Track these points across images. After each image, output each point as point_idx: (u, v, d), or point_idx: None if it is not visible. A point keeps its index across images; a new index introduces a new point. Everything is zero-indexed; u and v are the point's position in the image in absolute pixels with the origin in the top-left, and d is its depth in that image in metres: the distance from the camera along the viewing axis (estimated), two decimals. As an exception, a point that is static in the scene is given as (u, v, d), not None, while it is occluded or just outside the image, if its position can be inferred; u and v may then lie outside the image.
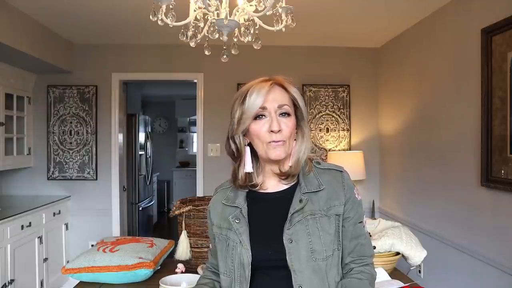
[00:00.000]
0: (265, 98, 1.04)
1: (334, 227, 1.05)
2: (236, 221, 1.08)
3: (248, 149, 1.10)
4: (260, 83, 1.07)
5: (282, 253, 1.02)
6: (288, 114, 1.06)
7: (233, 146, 1.10)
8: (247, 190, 1.12)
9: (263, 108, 1.05)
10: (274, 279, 1.05)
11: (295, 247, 1.02)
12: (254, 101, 1.04)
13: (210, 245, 1.24)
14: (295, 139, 1.10)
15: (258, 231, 1.07)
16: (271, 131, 1.04)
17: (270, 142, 1.04)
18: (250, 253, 1.04)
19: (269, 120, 1.05)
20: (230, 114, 1.10)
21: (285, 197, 1.08)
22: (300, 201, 1.05)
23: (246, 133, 1.09)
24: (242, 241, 1.05)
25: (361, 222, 1.11)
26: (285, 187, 1.11)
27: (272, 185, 1.12)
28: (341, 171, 1.12)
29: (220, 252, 1.12)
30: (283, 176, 1.09)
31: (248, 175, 1.10)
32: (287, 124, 1.05)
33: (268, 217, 1.09)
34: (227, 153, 1.14)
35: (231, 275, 1.07)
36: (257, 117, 1.06)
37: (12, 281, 2.91)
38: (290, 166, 1.08)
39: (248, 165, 1.09)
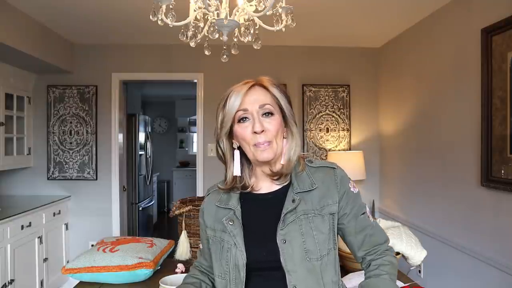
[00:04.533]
0: (244, 99, 1.04)
1: (328, 226, 1.05)
2: (230, 223, 1.07)
3: (237, 152, 1.10)
4: (240, 86, 1.07)
5: (276, 254, 1.01)
6: (272, 113, 1.06)
7: (219, 150, 1.12)
8: (239, 192, 1.12)
9: (245, 110, 1.04)
10: (269, 280, 1.04)
11: (289, 248, 1.01)
12: (233, 103, 1.04)
13: (201, 245, 1.24)
14: (285, 137, 1.09)
15: (252, 233, 1.06)
16: (254, 132, 1.03)
17: (255, 144, 1.04)
18: (245, 255, 1.03)
19: (252, 122, 1.04)
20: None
21: (278, 197, 1.08)
22: (293, 201, 1.04)
23: (234, 137, 1.09)
24: (237, 242, 1.04)
25: (363, 213, 1.10)
26: (278, 187, 1.10)
27: (265, 186, 1.11)
28: (334, 168, 1.11)
29: (214, 254, 1.11)
30: (275, 176, 1.09)
31: (238, 177, 1.10)
32: (271, 123, 1.05)
33: (261, 218, 1.08)
34: (217, 157, 1.14)
35: (226, 277, 1.06)
36: (241, 120, 1.05)
37: (12, 281, 2.91)
38: (282, 165, 1.08)
39: (236, 168, 1.09)
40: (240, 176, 1.10)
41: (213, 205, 1.14)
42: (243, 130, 1.05)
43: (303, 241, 1.01)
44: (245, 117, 1.05)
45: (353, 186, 1.11)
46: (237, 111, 1.05)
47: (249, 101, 1.04)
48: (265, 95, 1.06)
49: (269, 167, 1.09)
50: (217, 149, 1.13)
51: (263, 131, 1.03)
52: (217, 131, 1.09)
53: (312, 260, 1.01)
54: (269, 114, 1.05)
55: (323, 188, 1.07)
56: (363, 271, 1.13)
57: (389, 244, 1.13)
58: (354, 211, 1.09)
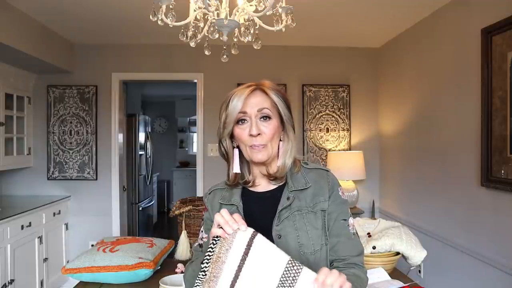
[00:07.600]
0: (245, 102, 1.09)
1: (321, 222, 1.10)
2: None
3: (237, 151, 1.16)
4: (242, 89, 1.11)
5: None
6: (269, 118, 1.10)
7: (222, 149, 1.18)
8: (240, 187, 1.17)
9: (244, 112, 1.09)
10: None
11: (284, 242, 1.06)
12: (235, 105, 1.09)
13: (200, 241, 1.22)
14: (282, 140, 1.14)
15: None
16: (251, 135, 1.09)
17: (251, 146, 1.10)
18: None
19: (250, 125, 1.09)
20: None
21: (275, 195, 1.14)
22: (288, 198, 1.11)
23: (233, 137, 1.14)
24: None
25: (344, 220, 1.11)
26: (275, 186, 1.16)
27: (262, 185, 1.17)
28: (327, 171, 1.17)
29: None
30: (271, 177, 1.14)
31: (238, 175, 1.16)
32: (268, 127, 1.10)
33: (259, 214, 1.13)
34: (220, 155, 1.20)
35: None
36: (240, 121, 1.11)
37: (12, 281, 2.91)
38: (278, 167, 1.13)
39: (236, 166, 1.15)
40: (240, 173, 1.16)
41: (217, 202, 1.19)
42: (241, 132, 1.11)
43: (297, 235, 1.07)
44: (244, 119, 1.10)
45: (342, 192, 1.15)
46: (238, 113, 1.09)
47: (249, 104, 1.10)
48: (265, 100, 1.11)
49: (266, 168, 1.15)
50: (219, 147, 1.18)
51: (259, 134, 1.09)
52: (220, 131, 1.15)
53: (306, 254, 1.06)
54: (266, 118, 1.10)
55: (316, 187, 1.13)
56: None
57: (361, 261, 1.11)
58: (336, 213, 1.12)
